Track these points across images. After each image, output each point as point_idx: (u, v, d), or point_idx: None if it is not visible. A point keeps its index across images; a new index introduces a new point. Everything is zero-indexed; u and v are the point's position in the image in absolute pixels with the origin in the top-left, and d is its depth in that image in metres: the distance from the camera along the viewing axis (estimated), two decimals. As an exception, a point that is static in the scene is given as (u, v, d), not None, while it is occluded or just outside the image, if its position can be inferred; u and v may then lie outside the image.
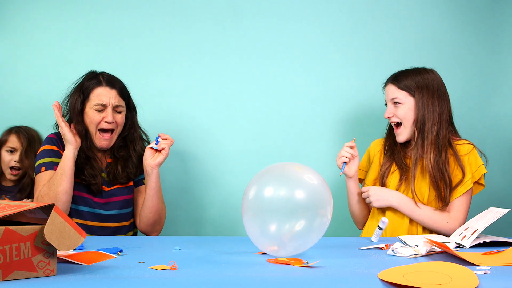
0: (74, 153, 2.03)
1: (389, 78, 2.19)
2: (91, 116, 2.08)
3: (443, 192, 2.05)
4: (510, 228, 2.42)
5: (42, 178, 2.06)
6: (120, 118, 2.12)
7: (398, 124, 2.14)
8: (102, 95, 2.07)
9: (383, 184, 2.14)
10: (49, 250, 1.19)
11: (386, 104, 2.18)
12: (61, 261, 1.34)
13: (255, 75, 2.59)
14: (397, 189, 2.10)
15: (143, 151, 2.13)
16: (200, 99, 2.58)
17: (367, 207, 2.21)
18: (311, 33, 2.59)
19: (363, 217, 2.21)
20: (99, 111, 2.07)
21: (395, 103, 2.13)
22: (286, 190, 1.47)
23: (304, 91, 2.59)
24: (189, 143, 2.57)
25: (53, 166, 2.07)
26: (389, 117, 2.15)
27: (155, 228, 2.16)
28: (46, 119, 2.34)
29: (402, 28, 2.59)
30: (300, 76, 2.59)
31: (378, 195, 2.08)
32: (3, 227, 1.13)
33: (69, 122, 2.11)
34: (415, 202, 2.05)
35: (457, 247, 1.69)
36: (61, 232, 1.18)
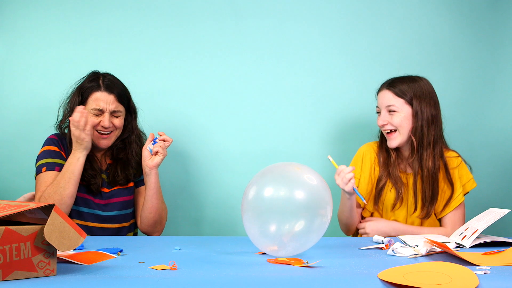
0: (84, 158, 2.04)
1: (384, 84, 2.13)
2: (89, 119, 2.07)
3: (429, 203, 2.04)
4: (510, 228, 2.42)
5: (44, 179, 2.04)
6: (118, 121, 2.11)
7: (392, 130, 2.08)
8: (100, 100, 2.06)
9: (379, 199, 2.11)
10: (49, 250, 1.19)
11: (378, 112, 2.12)
12: (61, 261, 1.34)
13: (255, 75, 2.59)
14: (393, 206, 2.09)
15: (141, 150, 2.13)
16: (200, 99, 2.58)
17: (359, 216, 2.16)
18: (311, 34, 2.59)
19: (355, 226, 2.15)
20: (96, 115, 2.07)
21: (390, 110, 2.07)
22: (286, 190, 1.47)
23: (304, 91, 2.58)
24: (189, 143, 2.57)
25: (54, 166, 2.06)
26: (383, 125, 2.09)
27: (156, 228, 2.16)
28: (45, 119, 2.34)
29: (401, 28, 2.59)
30: (300, 77, 2.59)
31: (375, 231, 2.05)
32: (3, 227, 1.13)
33: (65, 122, 2.12)
34: (412, 226, 2.06)
35: (457, 247, 1.69)
36: (61, 232, 1.18)
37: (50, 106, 2.38)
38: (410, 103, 2.05)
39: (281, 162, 1.62)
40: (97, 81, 2.09)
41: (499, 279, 1.24)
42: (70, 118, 2.02)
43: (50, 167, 2.06)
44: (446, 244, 1.60)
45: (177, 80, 2.57)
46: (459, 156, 2.12)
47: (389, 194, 2.11)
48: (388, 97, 2.08)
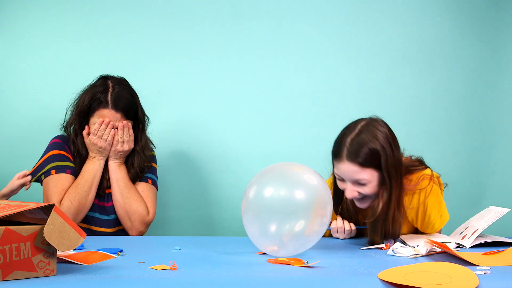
0: (104, 164, 2.08)
1: (340, 151, 1.75)
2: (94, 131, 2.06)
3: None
4: (510, 228, 2.42)
5: (58, 181, 2.04)
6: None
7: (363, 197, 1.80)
8: (106, 117, 2.04)
9: None
10: (49, 250, 1.19)
11: (341, 180, 1.78)
12: (61, 261, 1.34)
13: (256, 75, 2.59)
14: None
15: (143, 162, 2.13)
16: (200, 100, 2.58)
17: None
18: (312, 34, 2.59)
19: None
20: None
21: (359, 183, 1.75)
22: (286, 190, 1.47)
23: (304, 91, 2.59)
24: (189, 143, 2.57)
25: (65, 169, 2.06)
26: (353, 197, 1.78)
27: (126, 225, 2.10)
28: (46, 119, 2.34)
29: (402, 28, 2.59)
30: (301, 77, 2.59)
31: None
32: (3, 227, 1.13)
33: (71, 124, 2.11)
34: None
35: (457, 247, 1.69)
36: (61, 232, 1.18)
37: (50, 106, 2.38)
38: (378, 168, 1.73)
39: (281, 162, 1.62)
40: (105, 94, 2.04)
41: (499, 279, 1.24)
42: (93, 129, 2.02)
43: (61, 169, 2.06)
44: (446, 244, 1.60)
45: (178, 81, 2.57)
46: (430, 179, 1.86)
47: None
48: (354, 170, 1.72)
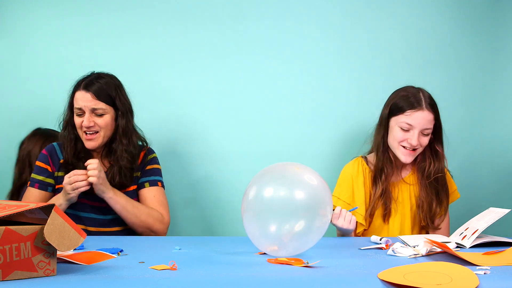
0: (66, 207, 2.03)
1: (423, 102, 1.99)
2: (75, 120, 2.09)
3: (430, 208, 2.04)
4: (510, 228, 2.42)
5: (26, 194, 2.12)
6: (102, 121, 2.07)
7: (415, 149, 2.03)
8: (79, 99, 2.06)
9: (370, 217, 2.08)
10: (49, 250, 1.19)
11: (407, 130, 2.00)
12: (61, 261, 1.34)
13: (255, 76, 2.59)
14: (384, 217, 2.07)
15: (133, 156, 2.12)
16: (200, 99, 2.58)
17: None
18: (311, 34, 2.59)
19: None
20: (78, 115, 2.07)
21: (425, 133, 2.00)
22: (286, 190, 1.47)
23: (304, 91, 2.58)
24: (189, 143, 2.57)
25: (34, 183, 2.11)
26: (415, 145, 1.99)
27: (151, 234, 2.10)
28: (46, 119, 2.34)
29: (402, 29, 2.58)
30: (300, 77, 2.59)
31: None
32: (3, 227, 1.13)
33: (68, 121, 2.13)
34: None
35: (457, 247, 1.69)
36: (61, 232, 1.18)
37: (51, 106, 2.38)
38: (436, 122, 2.03)
39: (281, 162, 1.62)
40: (81, 80, 2.10)
41: (499, 279, 1.24)
42: (65, 176, 1.99)
43: (32, 183, 2.12)
44: (446, 244, 1.60)
45: (178, 81, 2.57)
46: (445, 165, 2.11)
47: (380, 208, 2.08)
48: (429, 119, 1.99)
